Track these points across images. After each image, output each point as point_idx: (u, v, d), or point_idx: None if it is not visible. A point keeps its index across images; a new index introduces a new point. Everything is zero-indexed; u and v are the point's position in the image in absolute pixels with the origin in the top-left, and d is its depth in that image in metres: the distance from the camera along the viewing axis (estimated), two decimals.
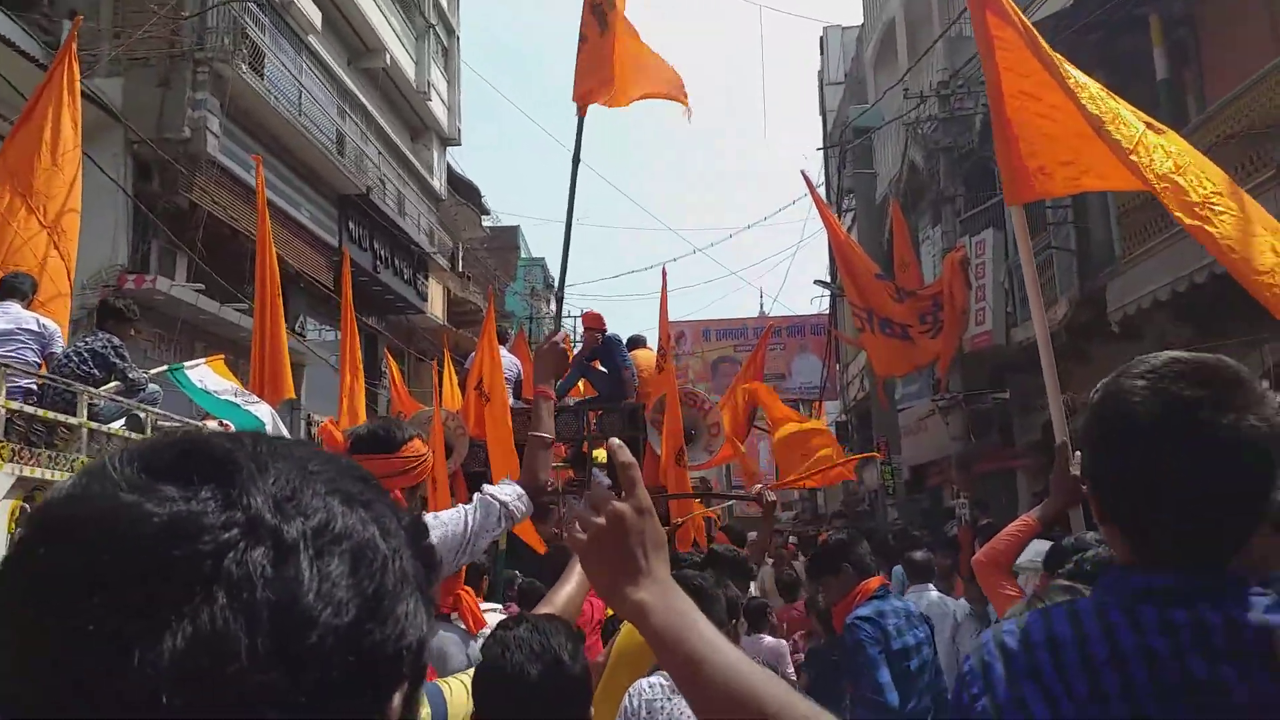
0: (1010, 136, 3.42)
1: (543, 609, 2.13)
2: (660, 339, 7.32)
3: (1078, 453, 2.61)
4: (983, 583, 3.04)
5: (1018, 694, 1.09)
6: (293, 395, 7.19)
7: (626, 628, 2.72)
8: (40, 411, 3.64)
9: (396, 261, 18.96)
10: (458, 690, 1.96)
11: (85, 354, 4.96)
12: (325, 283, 15.96)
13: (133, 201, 12.19)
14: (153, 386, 5.26)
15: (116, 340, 5.12)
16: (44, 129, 6.72)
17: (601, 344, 8.20)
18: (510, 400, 7.15)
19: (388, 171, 19.12)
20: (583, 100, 5.16)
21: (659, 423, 6.76)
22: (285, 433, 6.03)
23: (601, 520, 1.02)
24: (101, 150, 12.25)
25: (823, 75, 26.14)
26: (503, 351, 7.86)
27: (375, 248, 17.94)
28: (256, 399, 6.08)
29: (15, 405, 3.55)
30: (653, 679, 2.64)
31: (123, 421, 4.68)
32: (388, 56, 18.54)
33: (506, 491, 2.62)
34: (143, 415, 4.73)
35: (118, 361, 5.04)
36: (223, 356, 6.85)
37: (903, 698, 3.66)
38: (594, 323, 8.61)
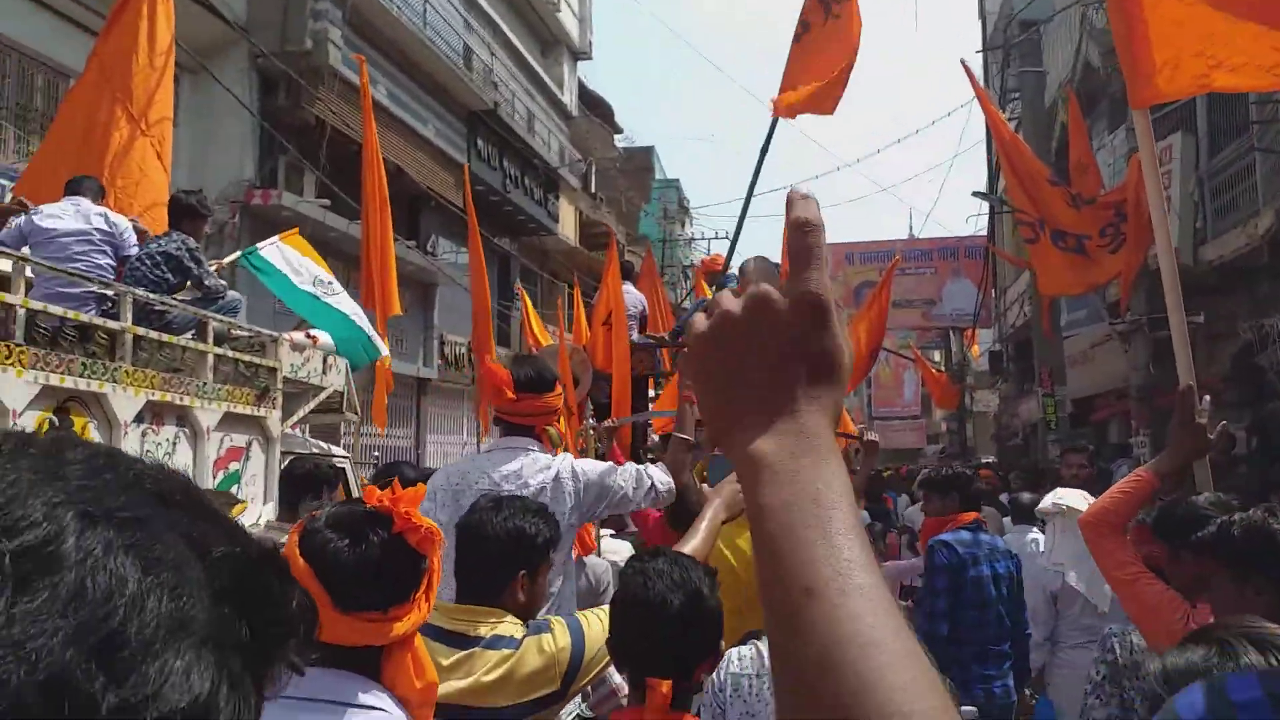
0: (1139, 22, 3.01)
1: (683, 545, 2.29)
2: (781, 276, 6.92)
3: (1206, 397, 2.57)
4: (1092, 547, 2.66)
5: None
6: (399, 311, 6.81)
7: None
8: (68, 313, 3.23)
9: (527, 181, 18.53)
10: (594, 624, 2.07)
11: (158, 257, 4.57)
12: (455, 201, 15.67)
13: (257, 118, 12.02)
14: (233, 294, 4.86)
15: (192, 242, 4.71)
16: (139, 24, 6.37)
17: (723, 283, 8.32)
18: (634, 336, 7.40)
19: (516, 87, 18.57)
20: (787, 107, 4.64)
21: None
22: (374, 335, 5.54)
23: (735, 308, 0.64)
24: (227, 64, 12.12)
25: None
26: (627, 287, 8.19)
27: (505, 166, 17.51)
28: (339, 289, 5.63)
29: (38, 305, 3.13)
30: (744, 649, 2.41)
31: (193, 334, 4.28)
32: None
33: (663, 480, 2.98)
34: (215, 325, 4.30)
35: (193, 266, 4.63)
36: (296, 230, 6.46)
37: (962, 619, 3.98)
38: (714, 265, 9.37)
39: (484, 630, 1.98)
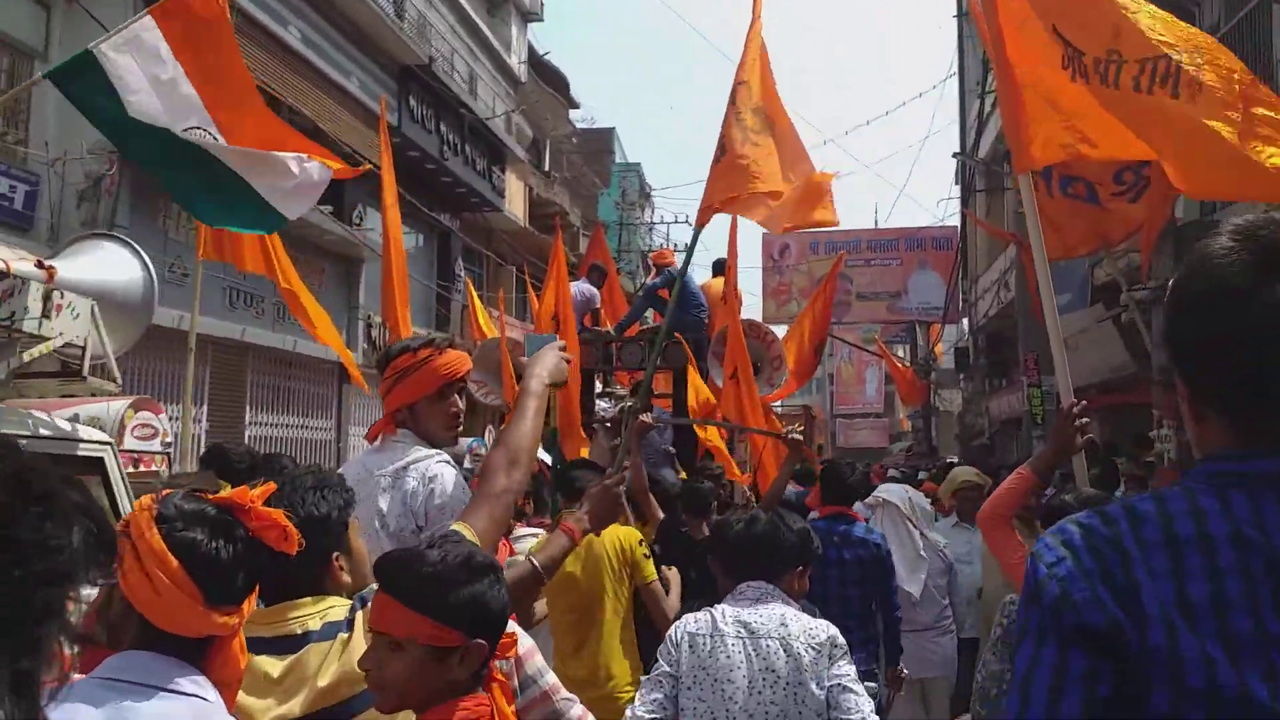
0: (1019, 101, 3.65)
1: (495, 450, 2.22)
2: (726, 270, 7.39)
3: (1084, 403, 3.10)
4: (987, 538, 3.28)
5: (1101, 563, 1.02)
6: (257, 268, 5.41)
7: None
8: None
9: (468, 150, 17.00)
10: None
11: None
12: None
13: None
14: None
15: None
16: None
17: (673, 278, 8.24)
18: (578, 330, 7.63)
19: (456, 44, 17.03)
20: (705, 212, 4.84)
21: (720, 355, 6.88)
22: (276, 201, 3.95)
23: None
24: None
25: None
26: (576, 286, 8.71)
27: (442, 130, 15.96)
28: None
29: None
30: (699, 614, 2.80)
31: None
32: None
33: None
34: None
35: None
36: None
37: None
38: (663, 259, 10.07)
39: (314, 623, 1.82)
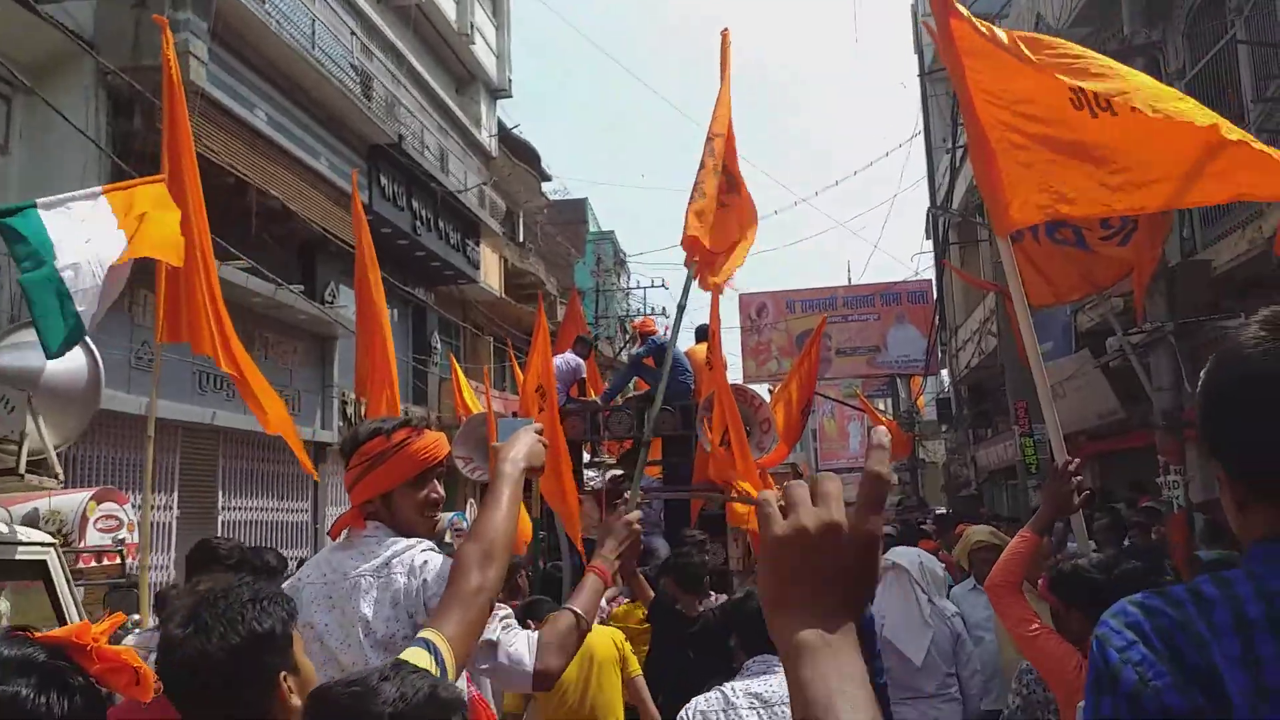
0: (994, 167, 3.58)
1: (467, 543, 1.99)
2: (710, 336, 7.33)
3: (1076, 460, 3.06)
4: (996, 607, 3.09)
5: (1173, 646, 0.99)
6: (208, 353, 5.21)
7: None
8: None
9: (441, 224, 16.93)
10: None
11: None
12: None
13: (95, 144, 10.30)
14: None
15: None
16: None
17: (657, 346, 8.48)
18: (561, 400, 7.51)
19: (426, 121, 17.05)
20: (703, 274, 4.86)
21: (708, 419, 6.77)
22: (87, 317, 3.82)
23: (811, 525, 0.85)
24: (68, 84, 10.41)
25: (916, 8, 23.33)
26: (562, 358, 8.77)
27: (414, 207, 15.90)
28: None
29: None
30: (710, 694, 2.76)
31: None
32: None
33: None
34: None
35: None
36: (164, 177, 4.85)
37: None
38: (647, 328, 10.00)
39: None
